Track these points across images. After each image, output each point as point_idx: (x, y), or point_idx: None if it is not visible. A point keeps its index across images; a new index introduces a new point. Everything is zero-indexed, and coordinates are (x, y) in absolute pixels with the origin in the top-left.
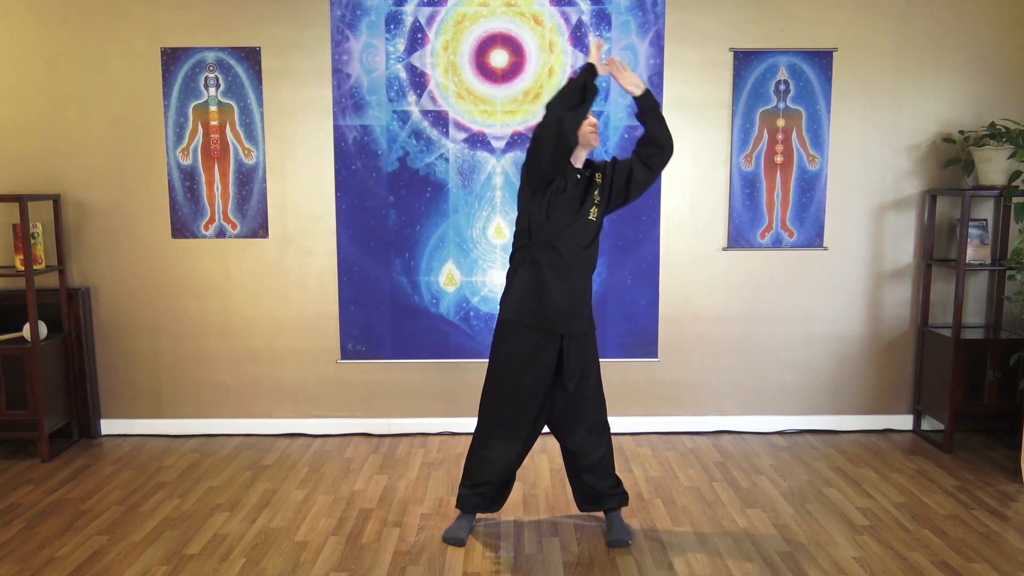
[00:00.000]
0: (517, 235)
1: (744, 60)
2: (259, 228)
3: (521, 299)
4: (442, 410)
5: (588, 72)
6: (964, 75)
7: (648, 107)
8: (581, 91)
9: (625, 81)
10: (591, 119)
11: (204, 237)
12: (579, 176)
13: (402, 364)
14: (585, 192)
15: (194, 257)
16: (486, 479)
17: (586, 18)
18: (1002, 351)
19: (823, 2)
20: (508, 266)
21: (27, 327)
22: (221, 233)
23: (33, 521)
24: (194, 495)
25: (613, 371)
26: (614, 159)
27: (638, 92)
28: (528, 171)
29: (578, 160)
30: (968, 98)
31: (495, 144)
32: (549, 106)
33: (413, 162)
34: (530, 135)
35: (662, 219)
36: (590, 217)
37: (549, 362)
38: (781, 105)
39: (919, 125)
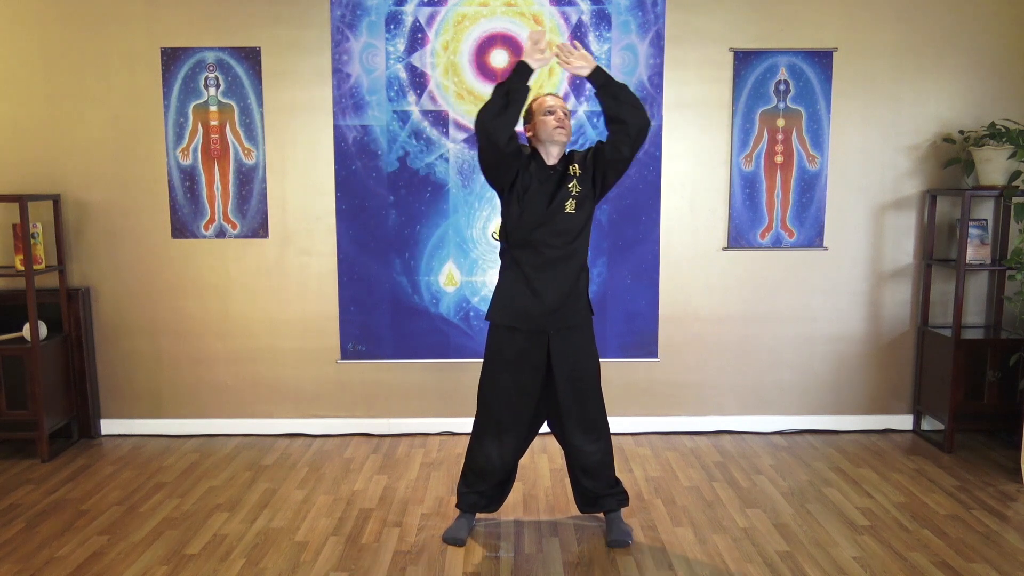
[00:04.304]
0: (500, 238)
1: (744, 60)
2: (259, 228)
3: (504, 301)
4: (442, 410)
5: (516, 73)
6: (964, 75)
7: (600, 84)
8: (504, 96)
9: (571, 66)
10: (558, 113)
11: (204, 237)
12: (551, 172)
13: (402, 364)
14: (557, 186)
15: (194, 257)
16: (484, 478)
17: (586, 18)
18: (1002, 351)
19: (823, 2)
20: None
21: (27, 327)
22: (221, 233)
23: (33, 521)
24: (194, 495)
25: (613, 371)
26: (598, 142)
27: (586, 72)
28: (483, 173)
29: (550, 156)
30: (968, 98)
31: None
32: (480, 111)
33: (413, 162)
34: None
35: (662, 219)
36: (568, 211)
37: (538, 363)
38: (781, 105)
39: (919, 125)
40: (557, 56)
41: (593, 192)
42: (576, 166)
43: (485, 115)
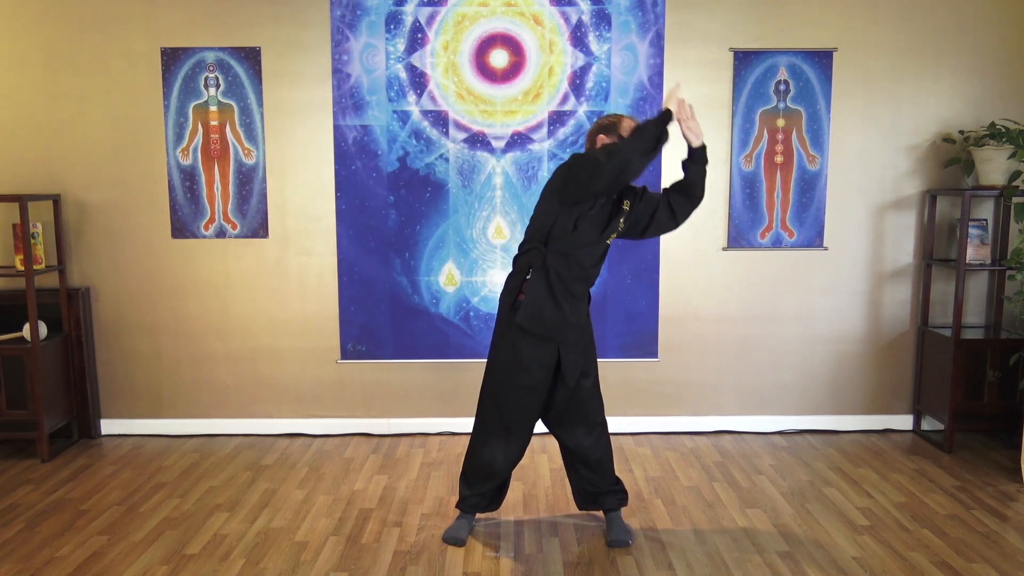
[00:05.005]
0: (531, 236)
1: (744, 60)
2: (259, 228)
3: (531, 306)
4: (442, 410)
5: (664, 119)
6: (964, 75)
7: (701, 161)
8: (655, 139)
9: (688, 128)
10: None
11: (204, 237)
12: (605, 199)
13: (402, 364)
14: (610, 216)
15: (194, 257)
16: (488, 480)
17: (586, 18)
18: (1002, 351)
19: (823, 2)
20: (512, 265)
21: (27, 327)
22: (221, 233)
23: (33, 521)
24: (194, 495)
25: (613, 371)
26: (644, 188)
27: (697, 143)
28: (571, 184)
29: None
30: (968, 98)
31: (495, 144)
32: (625, 145)
33: (413, 162)
34: (527, 133)
35: None
36: (607, 241)
37: (549, 366)
38: (781, 105)
39: (919, 125)
40: (679, 114)
41: (620, 231)
42: (627, 203)
43: (633, 150)
